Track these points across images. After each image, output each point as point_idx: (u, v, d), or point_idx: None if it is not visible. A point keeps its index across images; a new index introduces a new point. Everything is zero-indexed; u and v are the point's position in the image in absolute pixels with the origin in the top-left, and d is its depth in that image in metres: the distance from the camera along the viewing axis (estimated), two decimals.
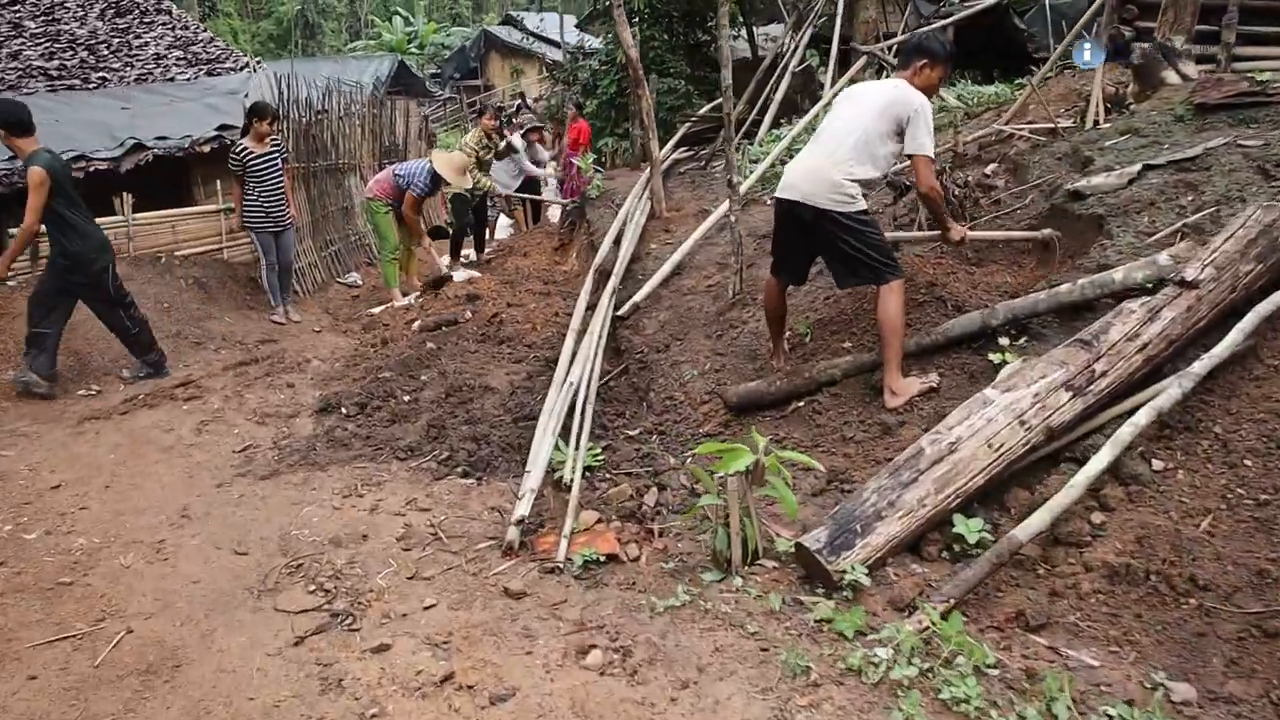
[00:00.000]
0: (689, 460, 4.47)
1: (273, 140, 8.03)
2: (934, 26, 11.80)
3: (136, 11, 13.80)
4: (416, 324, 7.28)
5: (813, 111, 7.98)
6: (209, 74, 12.93)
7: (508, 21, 40.47)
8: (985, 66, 10.94)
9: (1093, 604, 2.88)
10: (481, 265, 9.94)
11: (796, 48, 8.92)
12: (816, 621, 2.94)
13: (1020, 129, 5.85)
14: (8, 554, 3.95)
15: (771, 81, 8.87)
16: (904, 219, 5.53)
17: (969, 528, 3.22)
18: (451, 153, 8.97)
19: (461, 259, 9.84)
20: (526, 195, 11.45)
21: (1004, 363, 3.96)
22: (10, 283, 7.55)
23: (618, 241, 7.16)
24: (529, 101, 17.81)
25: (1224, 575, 2.84)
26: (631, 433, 4.91)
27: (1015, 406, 3.33)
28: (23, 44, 12.19)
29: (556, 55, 30.74)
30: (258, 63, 14.27)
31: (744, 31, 16.12)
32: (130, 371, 6.58)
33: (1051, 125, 5.66)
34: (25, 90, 11.27)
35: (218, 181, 9.19)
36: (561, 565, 3.56)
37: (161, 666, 3.09)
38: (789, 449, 4.15)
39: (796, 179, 4.36)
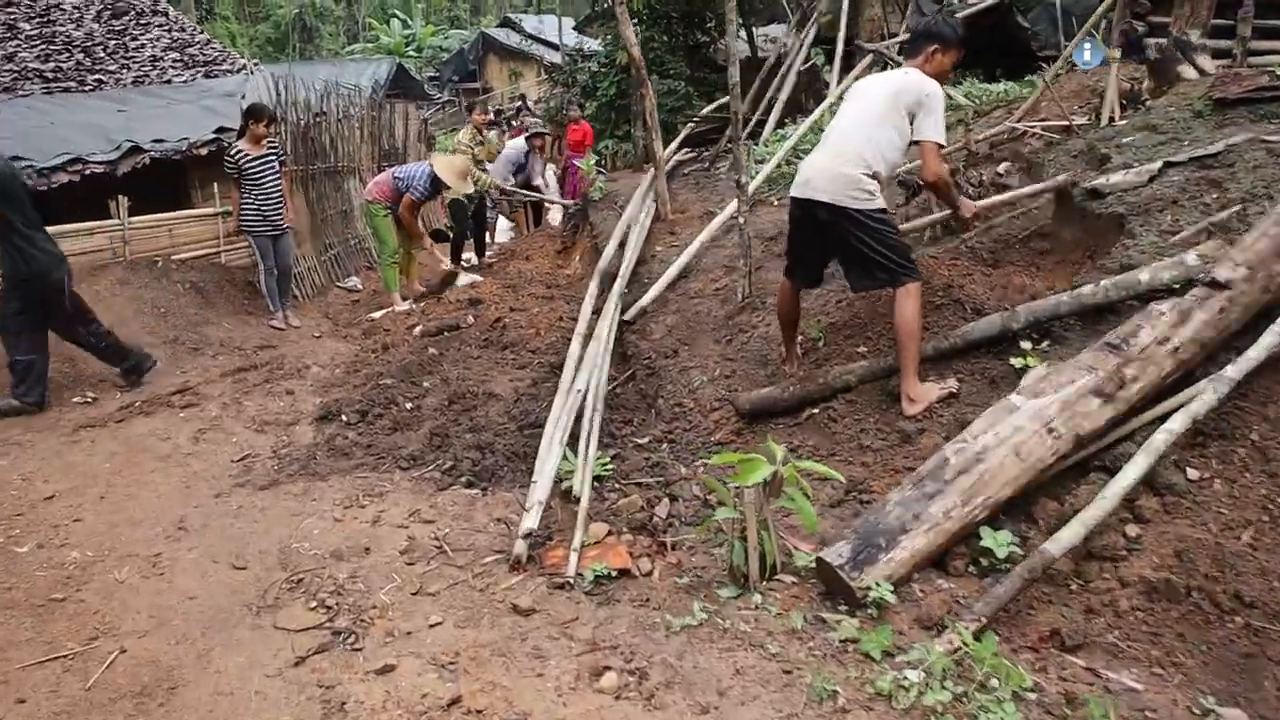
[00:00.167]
0: (700, 470, 4.34)
1: (269, 143, 7.90)
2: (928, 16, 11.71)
3: (133, 14, 13.68)
4: (418, 329, 7.15)
5: (818, 111, 7.86)
6: (206, 76, 12.82)
7: (506, 24, 40.35)
8: (988, 65, 10.82)
9: (1132, 622, 2.75)
10: (482, 269, 9.82)
11: (801, 47, 8.80)
12: (841, 641, 2.81)
13: (1033, 127, 5.73)
14: None
15: (776, 81, 8.74)
16: (915, 219, 5.40)
17: (997, 541, 3.09)
18: (453, 156, 8.84)
19: (462, 263, 9.71)
20: (524, 193, 11.30)
21: (1026, 367, 3.83)
22: None
23: (622, 245, 7.03)
24: (530, 104, 17.66)
25: (1271, 592, 2.71)
26: (640, 441, 4.78)
27: (1043, 414, 3.20)
28: (18, 46, 12.08)
29: (555, 57, 30.62)
30: (255, 65, 14.14)
31: (744, 32, 16.01)
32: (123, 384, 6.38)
33: (1066, 123, 5.54)
34: (21, 92, 11.16)
35: (215, 184, 9.06)
36: (571, 580, 3.44)
37: (156, 689, 2.97)
38: (804, 457, 4.04)
39: (812, 176, 4.23)
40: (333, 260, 10.27)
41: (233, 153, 7.76)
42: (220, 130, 9.87)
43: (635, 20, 14.24)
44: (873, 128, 4.08)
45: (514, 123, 15.23)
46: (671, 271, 6.22)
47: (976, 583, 3.09)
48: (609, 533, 3.83)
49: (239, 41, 41.42)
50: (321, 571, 3.70)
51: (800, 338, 4.82)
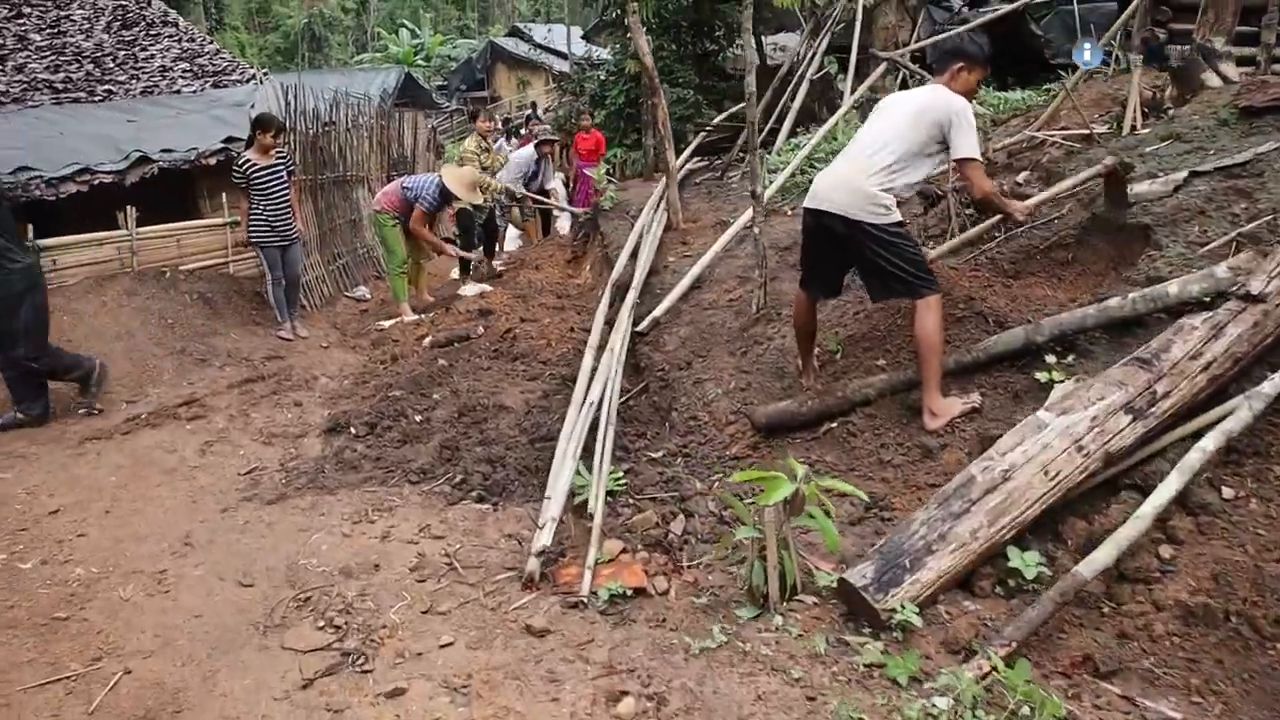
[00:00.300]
0: (716, 485, 4.26)
1: (278, 153, 7.84)
2: (953, 32, 11.64)
3: (143, 24, 13.67)
4: (427, 340, 7.08)
5: (832, 120, 7.78)
6: (215, 86, 12.77)
7: (514, 33, 40.44)
8: (1000, 73, 10.75)
9: (1168, 648, 2.65)
10: (492, 276, 9.75)
11: (814, 55, 8.73)
12: (866, 666, 2.72)
13: (1053, 135, 5.64)
14: (1, 585, 3.76)
15: (789, 89, 8.66)
16: (934, 229, 5.32)
17: (1025, 561, 3.00)
18: (461, 169, 8.78)
19: (471, 273, 9.65)
20: (538, 199, 11.23)
21: (1051, 381, 3.74)
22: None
23: (634, 255, 6.96)
24: (539, 112, 17.62)
25: None
26: (654, 455, 4.69)
27: (1072, 431, 3.11)
28: (28, 57, 12.05)
29: (563, 66, 30.65)
30: (264, 74, 14.13)
31: (752, 40, 15.93)
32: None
33: (1086, 131, 5.45)
34: (30, 103, 11.13)
35: (224, 194, 9.01)
36: (586, 600, 3.36)
37: (160, 713, 2.89)
38: (823, 473, 3.96)
39: (827, 189, 4.16)
40: (341, 270, 10.22)
41: (240, 163, 7.71)
42: (229, 140, 9.82)
43: (644, 29, 14.20)
44: (895, 145, 4.01)
45: (523, 131, 15.15)
46: (685, 282, 6.14)
47: (1004, 604, 3.00)
48: (623, 550, 3.75)
49: (248, 51, 41.63)
50: (330, 589, 3.62)
51: (817, 350, 4.73)
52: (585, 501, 4.11)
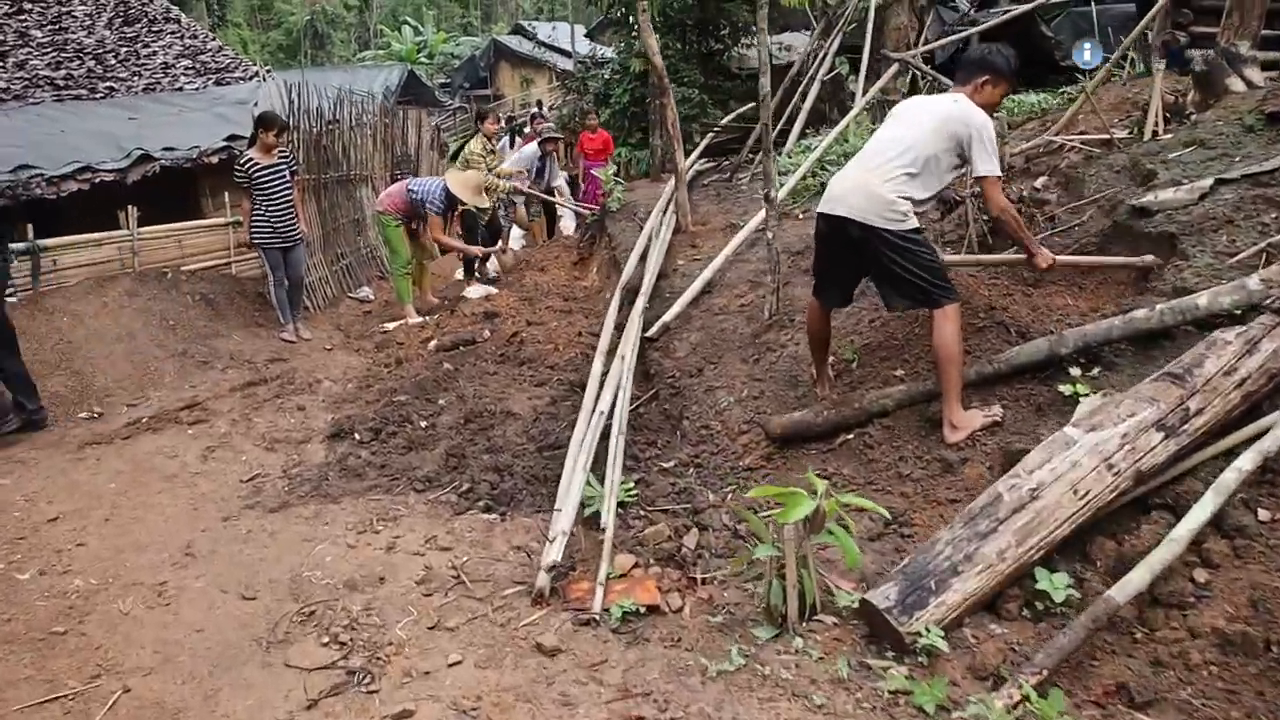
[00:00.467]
0: (730, 497, 4.17)
1: (280, 152, 7.74)
2: (959, 36, 11.53)
3: (145, 21, 13.58)
4: (432, 343, 6.98)
5: (844, 122, 7.68)
6: (218, 83, 12.69)
7: (518, 31, 40.30)
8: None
9: (1205, 677, 2.55)
10: (497, 278, 9.64)
11: (825, 55, 8.61)
12: (891, 693, 2.63)
13: (1072, 140, 5.53)
14: None
15: (800, 90, 8.55)
16: (950, 235, 5.22)
17: (1053, 584, 2.91)
18: (467, 173, 8.68)
19: (476, 274, 9.55)
20: (544, 196, 11.13)
21: (1076, 395, 3.64)
22: (12, 299, 7.30)
23: (643, 258, 6.86)
24: (544, 110, 17.52)
25: None
26: (665, 465, 4.60)
27: (1102, 448, 3.01)
28: (29, 53, 11.96)
29: (566, 65, 30.54)
30: (267, 72, 14.03)
31: (767, 39, 15.82)
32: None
33: (1106, 136, 5.34)
34: (31, 100, 11.05)
35: (226, 194, 8.93)
36: (598, 617, 3.26)
37: None
38: (839, 486, 3.87)
39: (842, 193, 4.05)
40: (344, 270, 10.13)
41: (243, 162, 7.61)
42: (232, 138, 9.74)
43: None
44: (916, 153, 3.90)
45: (526, 129, 15.04)
46: (695, 286, 6.04)
47: (1032, 628, 2.90)
48: (635, 564, 3.66)
49: (251, 48, 41.55)
50: (334, 603, 3.53)
51: (832, 359, 4.64)
52: (595, 513, 4.02)
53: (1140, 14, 7.54)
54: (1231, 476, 2.87)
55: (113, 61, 12.46)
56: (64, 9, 12.98)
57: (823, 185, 7.04)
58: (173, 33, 13.60)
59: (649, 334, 5.71)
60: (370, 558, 3.90)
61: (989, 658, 2.73)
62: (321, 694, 2.95)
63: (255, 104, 10.62)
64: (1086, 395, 3.59)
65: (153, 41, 13.23)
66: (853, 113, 7.80)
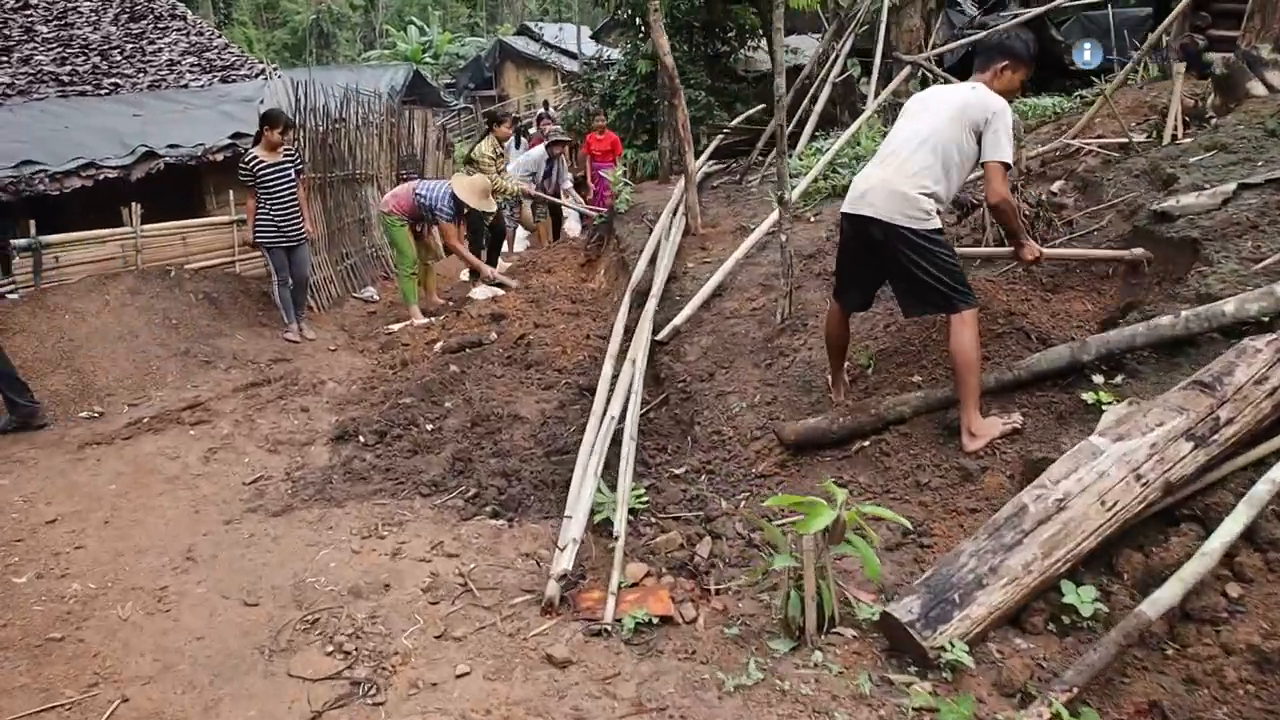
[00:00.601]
0: (743, 504, 4.08)
1: (286, 150, 7.65)
2: (967, 40, 11.44)
3: (151, 17, 13.52)
4: (438, 345, 6.90)
5: (856, 124, 7.59)
6: (223, 81, 12.63)
7: (524, 32, 40.23)
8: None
9: (1242, 696, 2.46)
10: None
11: (837, 57, 8.52)
12: (916, 710, 2.54)
13: (1089, 144, 5.44)
14: None
15: (810, 92, 8.47)
16: (966, 240, 5.13)
17: (1081, 597, 2.82)
18: (473, 177, 8.60)
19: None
20: (552, 199, 11.04)
21: (1099, 403, 3.56)
22: (14, 295, 7.24)
23: (652, 260, 6.77)
24: (551, 111, 17.43)
25: None
26: (676, 471, 4.51)
27: (1130, 459, 2.93)
28: (34, 49, 11.91)
29: (572, 66, 30.47)
30: (274, 69, 13.97)
31: (764, 42, 15.81)
32: None
33: (1124, 140, 5.25)
34: (36, 95, 10.99)
35: (230, 191, 8.86)
36: (609, 628, 3.18)
37: None
38: (855, 494, 3.78)
39: (866, 191, 3.95)
40: (349, 270, 10.05)
41: (248, 159, 7.52)
42: (236, 136, 9.69)
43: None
44: (935, 145, 3.81)
45: (532, 131, 14.95)
46: (706, 289, 5.94)
47: (1058, 643, 2.82)
48: (647, 573, 3.58)
49: (256, 47, 41.50)
50: (339, 611, 3.46)
51: (847, 364, 4.55)
52: (604, 520, 3.94)
53: (1158, 18, 7.48)
54: (1264, 489, 2.78)
55: (118, 58, 12.40)
56: (70, 4, 12.92)
57: (834, 188, 7.01)
58: (178, 29, 13.54)
59: (659, 337, 5.62)
60: (375, 564, 3.82)
61: (1016, 674, 2.64)
62: (326, 706, 2.88)
63: (261, 101, 10.56)
64: (1110, 403, 3.50)
65: (158, 38, 13.17)
66: (864, 115, 7.71)
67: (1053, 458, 3.31)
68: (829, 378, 4.56)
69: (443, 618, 3.37)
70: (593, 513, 3.89)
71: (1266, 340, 3.17)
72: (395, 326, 8.13)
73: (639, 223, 8.16)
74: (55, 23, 12.54)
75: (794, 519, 3.75)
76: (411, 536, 4.06)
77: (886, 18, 8.61)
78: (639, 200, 8.82)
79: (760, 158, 8.73)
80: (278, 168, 7.52)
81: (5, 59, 11.48)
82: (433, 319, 8.07)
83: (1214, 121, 5.23)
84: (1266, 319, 3.40)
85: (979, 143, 3.79)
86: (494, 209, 8.71)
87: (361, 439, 5.31)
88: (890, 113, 8.44)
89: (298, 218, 7.71)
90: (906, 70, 7.74)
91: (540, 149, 10.93)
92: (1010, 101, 3.90)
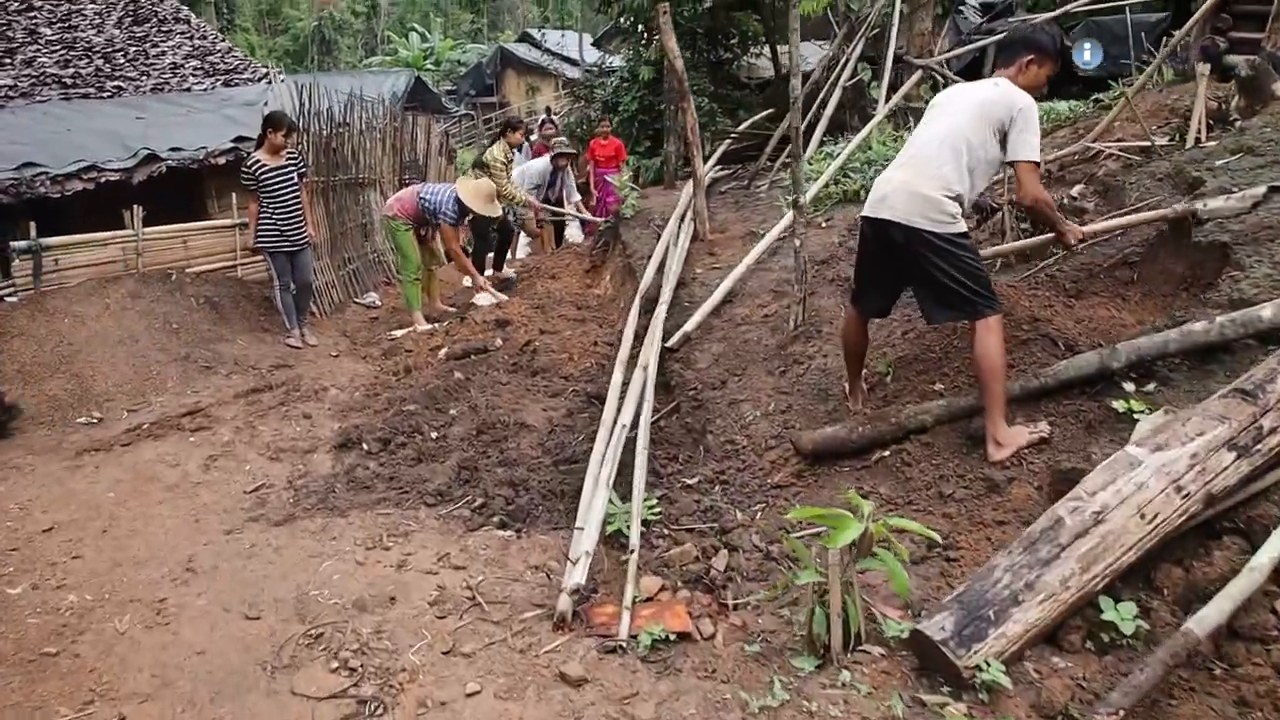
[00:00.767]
0: (758, 515, 3.96)
1: (289, 154, 7.55)
2: (975, 46, 11.37)
3: (155, 20, 13.45)
4: (443, 351, 6.78)
5: (867, 128, 7.49)
6: (226, 85, 12.56)
7: (525, 39, 40.21)
8: None
9: None
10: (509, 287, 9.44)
11: (847, 61, 8.42)
12: None
13: (1109, 147, 5.34)
14: None
15: (820, 97, 8.37)
16: (986, 244, 5.01)
17: (1120, 614, 2.70)
18: (478, 181, 8.50)
19: (488, 278, 9.34)
20: (561, 211, 10.93)
21: (1130, 411, 3.44)
22: (13, 299, 7.14)
23: (661, 266, 6.66)
24: (553, 116, 17.33)
25: None
26: (689, 481, 4.38)
27: (1170, 469, 2.81)
28: (38, 51, 11.84)
29: (573, 73, 30.41)
30: (277, 73, 13.89)
31: (767, 49, 15.76)
32: None
33: (1146, 143, 5.15)
34: (38, 98, 10.93)
35: (233, 195, 8.76)
36: (625, 645, 3.06)
37: None
38: (877, 506, 3.65)
39: (888, 194, 3.83)
40: (351, 275, 9.94)
41: (250, 163, 7.41)
42: (239, 139, 9.61)
43: (658, 35, 13.95)
44: (959, 145, 3.68)
45: (534, 136, 14.84)
46: (716, 295, 5.82)
47: (1097, 661, 2.69)
48: (662, 587, 3.46)
49: (258, 53, 41.50)
50: (343, 625, 3.33)
51: (865, 372, 4.43)
52: (616, 531, 3.83)
53: (1174, 21, 7.39)
54: None
55: (121, 61, 12.34)
56: (74, 7, 12.87)
57: (844, 193, 6.91)
58: (182, 33, 13.48)
59: (669, 344, 5.50)
60: (380, 576, 3.70)
61: (1055, 695, 2.52)
62: None
63: (266, 104, 10.49)
64: (1142, 412, 3.39)
65: (162, 41, 13.11)
66: (875, 119, 7.61)
67: (1083, 468, 3.20)
68: (846, 385, 4.44)
69: (451, 633, 3.25)
70: (604, 524, 3.77)
71: None
72: (398, 332, 8.01)
73: (645, 228, 8.05)
74: (59, 25, 12.48)
75: (814, 531, 3.64)
76: (417, 547, 3.94)
77: (899, 22, 8.50)
78: (645, 205, 8.72)
79: (769, 163, 8.63)
80: (280, 172, 7.42)
81: (8, 61, 11.42)
82: (436, 325, 7.97)
83: (1239, 124, 5.12)
84: None
85: (1004, 142, 3.68)
86: (498, 213, 8.59)
87: (365, 447, 5.19)
88: (901, 117, 8.36)
89: (300, 222, 7.61)
90: (917, 74, 7.65)
91: (545, 161, 10.78)
92: (1037, 99, 3.78)
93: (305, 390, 6.36)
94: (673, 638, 3.07)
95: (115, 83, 11.78)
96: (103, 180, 8.38)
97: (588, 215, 11.08)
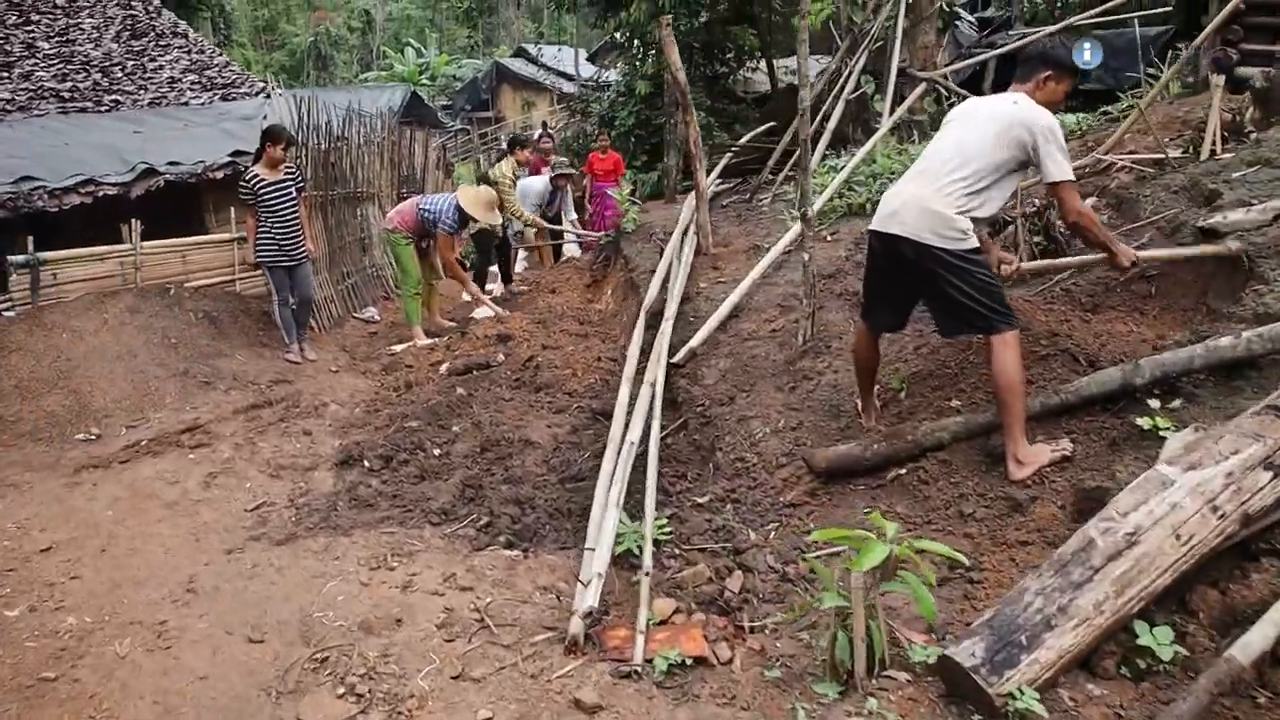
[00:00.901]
0: (772, 534, 3.87)
1: (287, 168, 7.47)
2: (975, 60, 11.36)
3: (152, 35, 13.40)
4: (444, 366, 6.70)
5: (871, 141, 7.45)
6: (224, 99, 12.50)
7: (520, 54, 40.28)
8: None
9: None
10: (509, 300, 9.36)
11: (850, 74, 8.39)
12: None
13: (1122, 159, 5.29)
14: None
15: (823, 110, 8.33)
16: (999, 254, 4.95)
17: (1157, 639, 2.62)
18: (479, 189, 8.43)
19: (486, 292, 9.27)
20: (561, 229, 10.87)
21: (1155, 428, 3.37)
22: (10, 313, 7.04)
23: (665, 281, 6.59)
24: (550, 130, 17.29)
25: None
26: (699, 499, 4.30)
27: (1204, 489, 2.73)
28: (35, 65, 11.78)
29: (569, 88, 30.42)
30: (276, 89, 13.84)
31: (763, 64, 15.77)
32: None
33: (1160, 155, 5.09)
34: (36, 112, 10.86)
35: (231, 209, 8.69)
36: (639, 669, 2.96)
37: None
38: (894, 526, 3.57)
39: (898, 209, 3.76)
40: (350, 290, 9.86)
41: (248, 178, 7.33)
42: (237, 153, 9.55)
43: (654, 50, 13.98)
44: (975, 164, 3.61)
45: (534, 146, 14.74)
46: (722, 310, 5.75)
47: (1134, 689, 2.61)
48: (676, 610, 3.37)
49: (255, 68, 41.49)
50: (349, 648, 3.24)
51: (878, 388, 4.35)
52: (626, 551, 3.74)
53: (1181, 34, 7.37)
54: None
55: (119, 75, 12.28)
56: (71, 21, 12.80)
57: (849, 206, 6.85)
58: (180, 47, 13.42)
59: (674, 360, 5.42)
60: (385, 597, 3.61)
61: None
62: None
63: (264, 117, 10.43)
64: (1168, 429, 3.31)
65: (159, 56, 13.05)
66: (880, 132, 7.57)
67: (1108, 486, 3.14)
68: (858, 402, 4.37)
69: (460, 656, 3.16)
70: (616, 543, 3.68)
71: None
72: (398, 347, 7.93)
73: (647, 242, 7.99)
74: (57, 39, 12.42)
75: (830, 550, 3.56)
76: (422, 568, 3.85)
77: (901, 35, 8.47)
78: (646, 219, 8.66)
79: (771, 176, 8.58)
80: (278, 186, 7.34)
81: (6, 75, 11.35)
82: (436, 340, 7.88)
83: (1254, 136, 5.07)
84: None
85: (1023, 163, 3.62)
86: (499, 221, 8.52)
87: (366, 464, 5.10)
88: (905, 130, 8.32)
89: (299, 236, 7.53)
90: (921, 88, 7.61)
91: (544, 180, 10.70)
92: (1055, 114, 3.72)
93: (305, 406, 6.27)
94: (689, 662, 2.98)
95: (113, 97, 11.71)
96: (100, 194, 8.30)
97: (586, 233, 11.03)
